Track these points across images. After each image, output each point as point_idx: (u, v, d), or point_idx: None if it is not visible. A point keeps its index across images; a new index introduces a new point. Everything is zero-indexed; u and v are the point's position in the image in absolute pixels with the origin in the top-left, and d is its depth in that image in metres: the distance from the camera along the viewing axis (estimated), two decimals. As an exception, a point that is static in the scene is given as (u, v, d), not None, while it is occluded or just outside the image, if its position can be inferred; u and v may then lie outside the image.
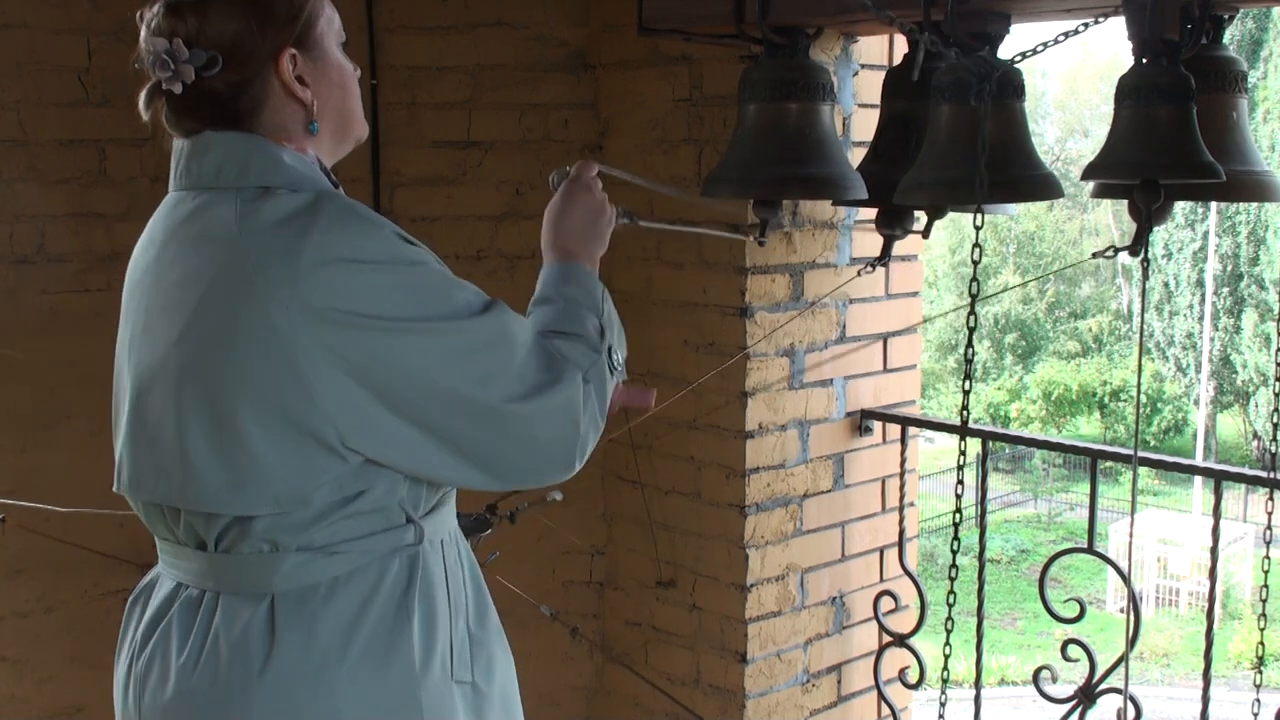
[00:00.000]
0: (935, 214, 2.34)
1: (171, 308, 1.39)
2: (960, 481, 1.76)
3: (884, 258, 2.56)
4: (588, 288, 1.61)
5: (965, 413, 1.87)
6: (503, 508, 2.42)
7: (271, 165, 1.39)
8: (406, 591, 1.42)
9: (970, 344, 1.75)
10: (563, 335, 1.52)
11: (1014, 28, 2.16)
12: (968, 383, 1.78)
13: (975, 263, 1.77)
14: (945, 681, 2.11)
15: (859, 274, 2.80)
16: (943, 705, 2.09)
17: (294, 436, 1.34)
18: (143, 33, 1.41)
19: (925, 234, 2.51)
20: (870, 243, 2.88)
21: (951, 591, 1.91)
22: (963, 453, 1.78)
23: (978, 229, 1.82)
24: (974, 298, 1.75)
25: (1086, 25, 2.04)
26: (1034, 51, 2.06)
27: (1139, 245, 2.04)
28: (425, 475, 1.42)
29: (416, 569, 1.44)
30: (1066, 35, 2.04)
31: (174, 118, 1.42)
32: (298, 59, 1.42)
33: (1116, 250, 2.18)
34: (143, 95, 1.42)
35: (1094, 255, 2.29)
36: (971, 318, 1.74)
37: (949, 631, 2.00)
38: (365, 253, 1.34)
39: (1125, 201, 2.06)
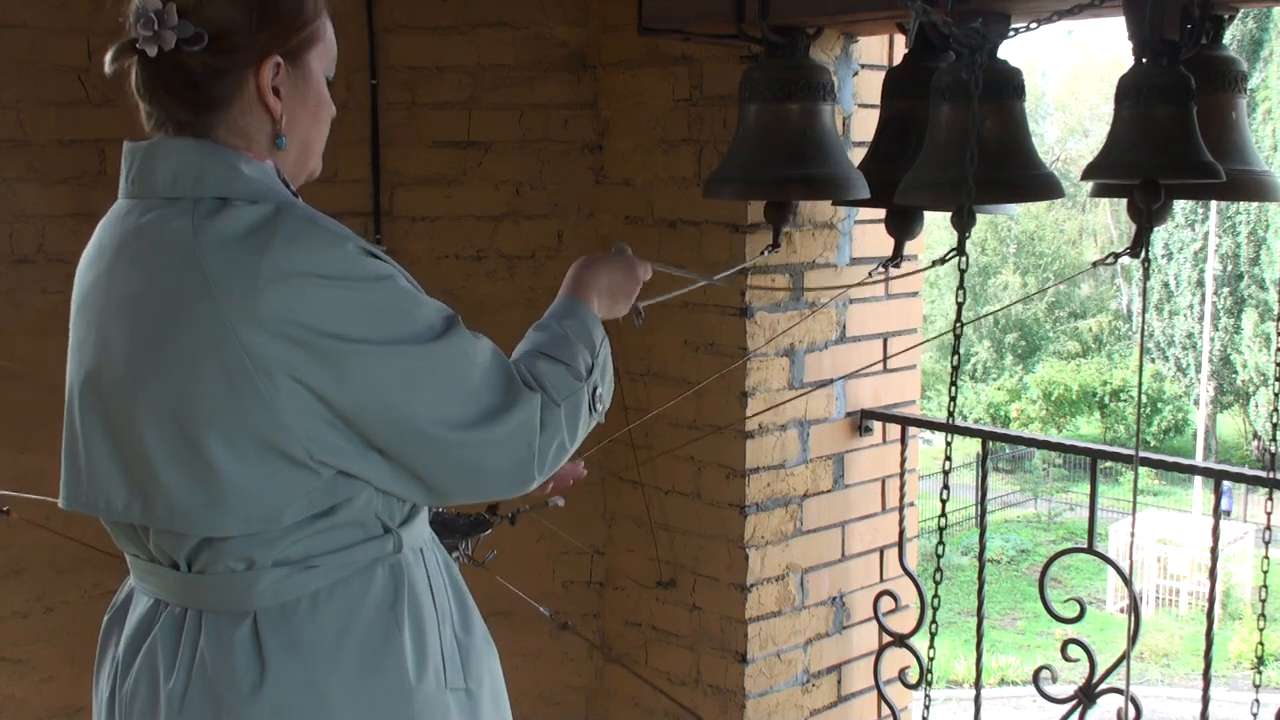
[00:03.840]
0: (964, 224, 2.31)
1: (129, 321, 1.35)
2: (946, 486, 1.76)
3: (896, 259, 2.55)
4: (589, 328, 1.59)
5: (951, 418, 1.87)
6: (503, 509, 2.42)
7: (229, 175, 1.34)
8: (395, 603, 1.41)
9: (956, 350, 1.75)
10: (548, 359, 1.50)
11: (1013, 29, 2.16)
12: (953, 388, 1.79)
13: (962, 271, 1.76)
14: (929, 683, 2.11)
15: (869, 275, 2.78)
16: (927, 708, 2.09)
17: (263, 454, 1.31)
18: None
19: (960, 250, 2.47)
20: (870, 243, 2.88)
21: (936, 595, 1.91)
22: (948, 458, 1.78)
23: (966, 226, 1.81)
24: (960, 305, 1.75)
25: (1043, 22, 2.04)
26: (1027, 28, 2.06)
27: (1139, 247, 2.04)
28: (390, 490, 1.40)
29: (402, 579, 1.42)
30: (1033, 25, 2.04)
31: (143, 85, 1.38)
32: (281, 69, 1.38)
33: (1117, 256, 2.18)
34: (112, 49, 1.37)
35: (1094, 264, 2.28)
36: (958, 325, 1.74)
37: (933, 635, 2.00)
38: (326, 268, 1.30)
39: (1125, 201, 2.06)
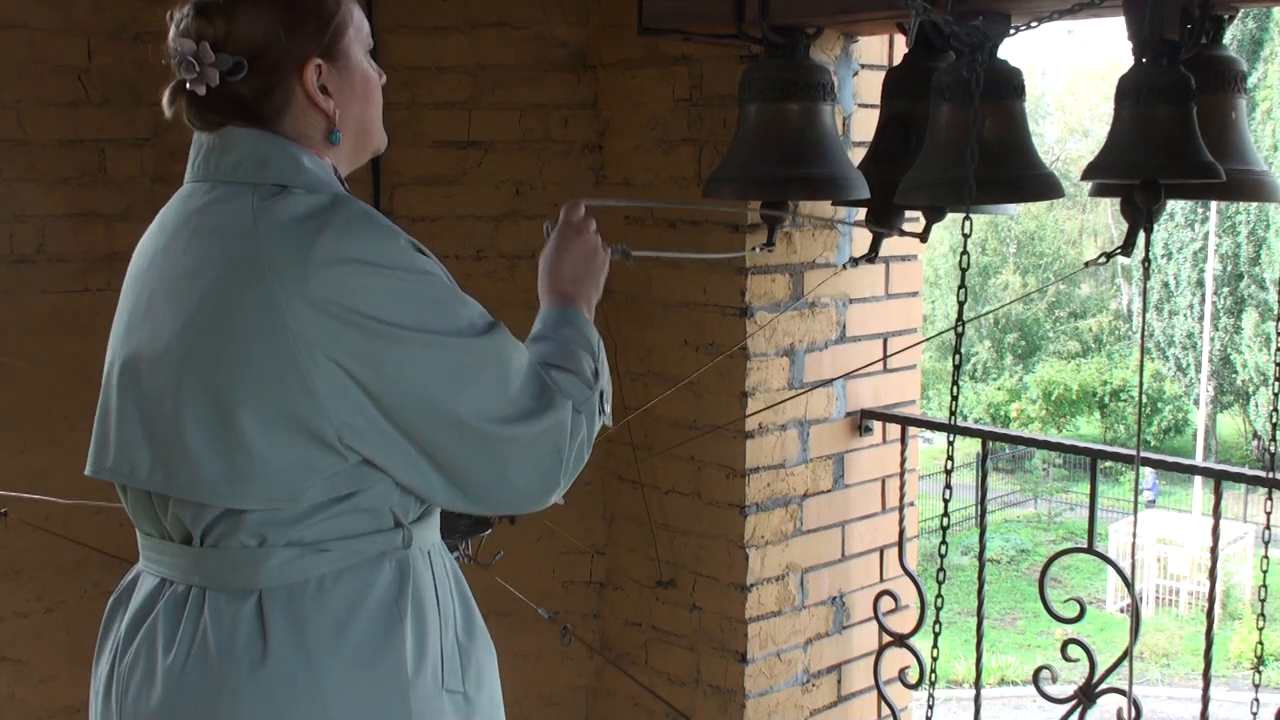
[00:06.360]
0: (934, 216, 2.34)
1: (178, 296, 1.39)
2: (948, 486, 1.76)
3: (873, 254, 2.55)
4: (584, 333, 1.63)
5: (953, 417, 1.87)
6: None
7: (291, 165, 1.40)
8: (399, 597, 1.42)
9: (958, 349, 1.75)
10: (559, 369, 1.53)
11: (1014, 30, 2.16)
12: (955, 387, 1.79)
13: (963, 269, 1.76)
14: (933, 683, 2.12)
15: (843, 268, 2.80)
16: (930, 708, 2.09)
17: (293, 432, 1.34)
18: (171, 31, 1.42)
19: (923, 238, 2.50)
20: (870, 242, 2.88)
21: (939, 595, 1.91)
22: (950, 457, 1.78)
23: (966, 230, 1.81)
24: (961, 304, 1.75)
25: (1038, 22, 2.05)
26: (1027, 27, 2.07)
27: (1130, 246, 2.05)
28: (409, 485, 1.42)
29: (408, 574, 1.44)
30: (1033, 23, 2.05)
31: (196, 115, 1.44)
32: (323, 69, 1.43)
33: (1109, 256, 2.19)
34: (166, 92, 1.44)
35: (1087, 264, 2.30)
36: (960, 324, 1.74)
37: (936, 635, 2.01)
38: (377, 256, 1.35)
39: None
